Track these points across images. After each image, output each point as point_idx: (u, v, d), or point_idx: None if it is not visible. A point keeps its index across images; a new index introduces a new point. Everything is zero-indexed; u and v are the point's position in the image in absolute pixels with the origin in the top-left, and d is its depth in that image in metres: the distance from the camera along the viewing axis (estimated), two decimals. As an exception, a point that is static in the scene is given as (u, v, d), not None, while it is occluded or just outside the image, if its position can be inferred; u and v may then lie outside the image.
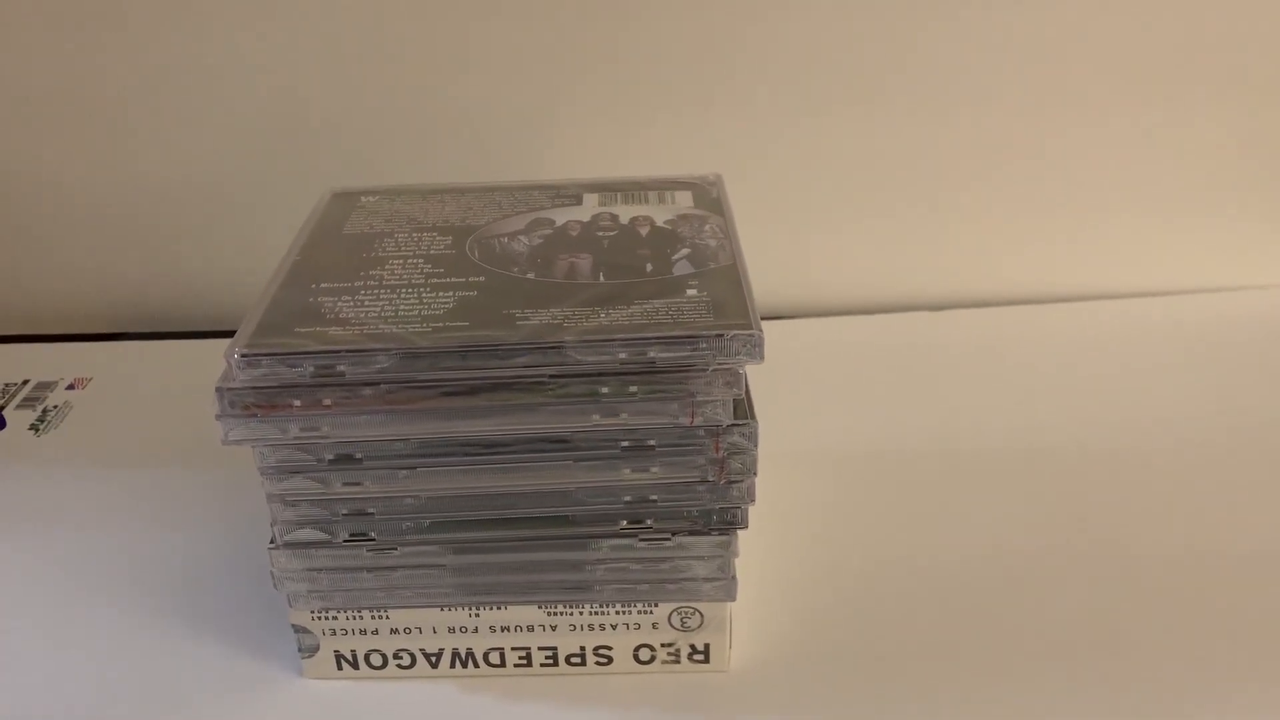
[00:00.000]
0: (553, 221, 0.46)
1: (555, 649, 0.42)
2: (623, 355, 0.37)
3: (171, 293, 0.72)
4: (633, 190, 0.49)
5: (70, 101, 0.67)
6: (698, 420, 0.38)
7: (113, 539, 0.51)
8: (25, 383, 0.65)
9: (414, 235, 0.45)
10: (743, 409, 0.38)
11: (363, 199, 0.49)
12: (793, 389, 0.58)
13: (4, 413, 0.62)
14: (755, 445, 0.39)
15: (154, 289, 0.72)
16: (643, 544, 0.40)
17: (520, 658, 0.42)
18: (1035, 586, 0.46)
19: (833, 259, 0.71)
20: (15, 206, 0.70)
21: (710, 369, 0.37)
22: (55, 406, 0.63)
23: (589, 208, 0.47)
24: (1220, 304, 0.69)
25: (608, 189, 0.49)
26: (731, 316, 0.37)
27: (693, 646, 0.42)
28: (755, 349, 0.37)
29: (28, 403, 0.63)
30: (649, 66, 0.65)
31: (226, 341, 0.37)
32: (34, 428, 0.61)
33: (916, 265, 0.71)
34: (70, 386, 0.65)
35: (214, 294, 0.71)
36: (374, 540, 0.40)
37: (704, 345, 0.37)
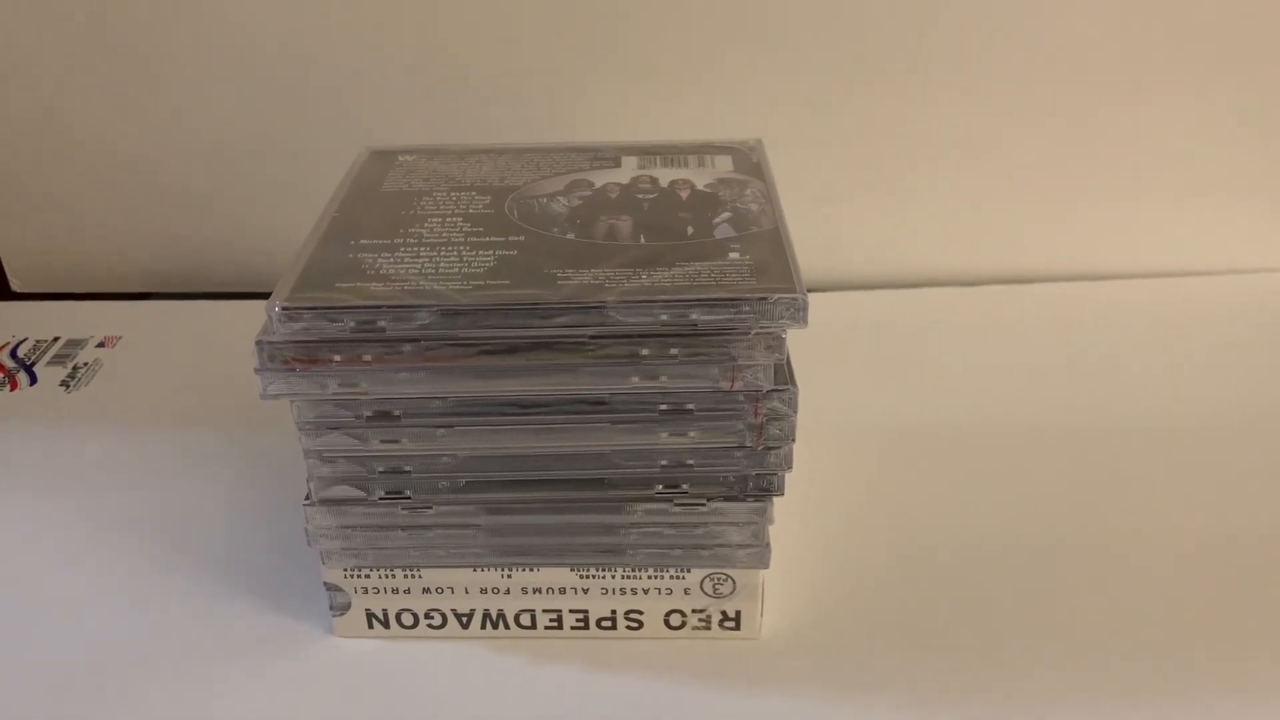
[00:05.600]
0: (591, 183, 0.45)
1: (586, 612, 0.42)
2: (664, 317, 0.36)
3: (202, 253, 0.72)
4: (672, 154, 0.48)
5: (103, 60, 0.66)
6: (738, 384, 0.37)
7: (143, 495, 0.51)
8: (55, 340, 0.65)
9: (452, 194, 0.44)
10: (783, 374, 0.38)
11: (400, 158, 0.49)
12: (825, 362, 0.57)
13: (35, 369, 0.62)
14: (795, 411, 0.38)
15: (184, 249, 0.72)
16: (678, 509, 0.40)
17: (551, 620, 0.42)
18: (1066, 561, 0.46)
19: (865, 232, 0.70)
20: (47, 166, 0.70)
21: (753, 332, 0.37)
22: (85, 364, 0.63)
23: (628, 170, 0.46)
24: (1260, 285, 0.68)
25: (646, 152, 0.48)
26: (775, 280, 0.37)
27: (724, 613, 0.42)
28: (799, 313, 0.36)
29: (58, 359, 0.63)
30: (686, 33, 0.64)
31: (257, 303, 0.37)
32: (64, 384, 0.61)
33: (950, 240, 0.70)
34: (100, 345, 0.65)
35: (244, 255, 0.71)
36: (409, 499, 0.40)
37: (747, 308, 0.36)
